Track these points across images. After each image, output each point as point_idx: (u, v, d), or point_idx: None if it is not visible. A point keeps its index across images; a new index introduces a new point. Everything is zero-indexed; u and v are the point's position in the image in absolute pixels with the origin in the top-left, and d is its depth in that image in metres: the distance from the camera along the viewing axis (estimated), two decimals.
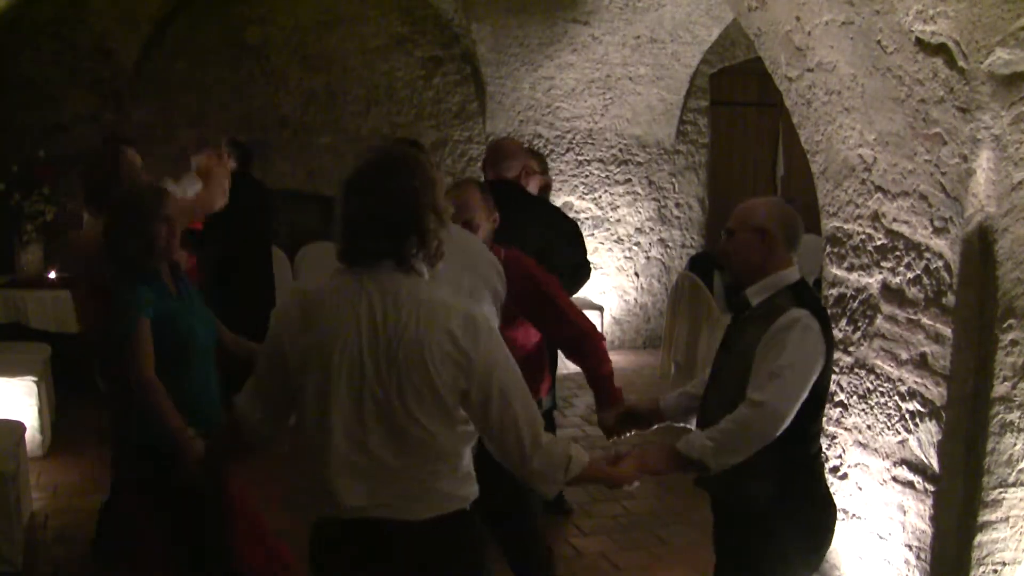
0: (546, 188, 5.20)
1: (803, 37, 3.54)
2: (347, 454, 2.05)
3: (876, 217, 3.55)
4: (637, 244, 8.55)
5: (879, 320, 3.57)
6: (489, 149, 4.62)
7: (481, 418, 2.08)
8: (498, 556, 3.30)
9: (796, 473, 2.59)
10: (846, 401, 3.78)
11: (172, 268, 3.09)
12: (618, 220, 8.45)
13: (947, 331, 3.21)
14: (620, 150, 8.39)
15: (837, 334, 3.78)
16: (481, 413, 2.07)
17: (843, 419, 3.80)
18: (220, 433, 2.56)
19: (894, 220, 3.45)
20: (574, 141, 8.27)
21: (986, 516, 3.19)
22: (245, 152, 5.96)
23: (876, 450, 3.59)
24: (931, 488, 3.30)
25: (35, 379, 5.33)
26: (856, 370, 3.71)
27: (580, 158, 8.29)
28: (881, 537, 3.55)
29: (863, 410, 3.68)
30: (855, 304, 3.72)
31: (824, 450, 3.69)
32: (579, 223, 5.49)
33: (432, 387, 2.02)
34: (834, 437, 3.83)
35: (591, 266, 4.74)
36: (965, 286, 3.14)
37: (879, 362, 3.58)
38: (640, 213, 8.52)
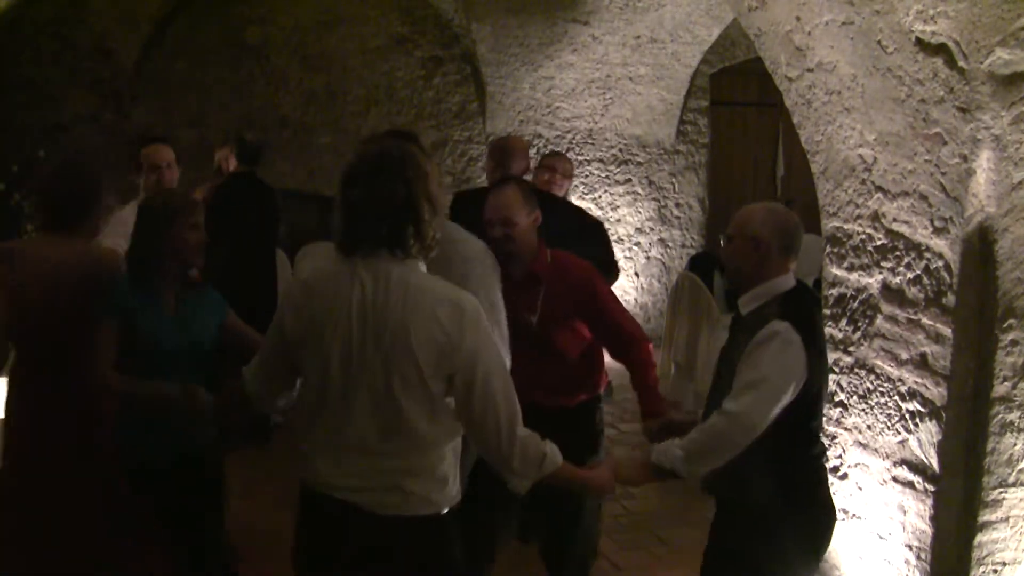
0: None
1: (803, 37, 3.54)
2: (333, 429, 2.14)
3: (876, 217, 3.55)
4: (637, 244, 8.55)
5: (879, 320, 3.57)
6: (492, 147, 4.58)
7: (463, 402, 2.14)
8: (498, 556, 3.32)
9: (798, 475, 2.60)
10: (846, 401, 3.78)
11: (183, 282, 2.96)
12: (618, 220, 8.45)
13: (947, 331, 3.20)
14: (620, 150, 8.39)
15: (837, 334, 3.78)
16: (463, 398, 2.13)
17: (843, 419, 3.79)
18: (226, 392, 2.63)
19: (894, 220, 3.45)
20: (574, 141, 8.26)
21: (986, 516, 3.19)
22: (250, 151, 5.67)
23: (876, 450, 3.59)
24: (931, 488, 3.29)
25: None
26: (856, 370, 3.71)
27: (580, 158, 8.28)
28: (881, 537, 3.55)
29: (863, 410, 3.67)
30: (855, 304, 3.72)
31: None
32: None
33: (417, 370, 2.08)
34: (834, 437, 3.83)
35: (618, 267, 4.62)
36: (965, 286, 3.14)
37: (879, 362, 3.57)
38: (640, 213, 8.52)
